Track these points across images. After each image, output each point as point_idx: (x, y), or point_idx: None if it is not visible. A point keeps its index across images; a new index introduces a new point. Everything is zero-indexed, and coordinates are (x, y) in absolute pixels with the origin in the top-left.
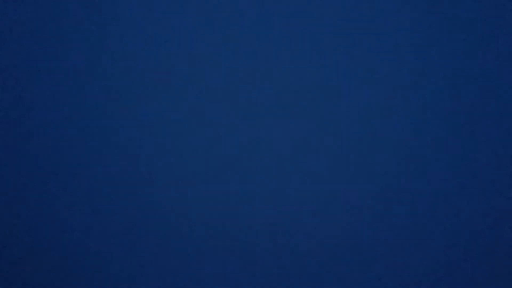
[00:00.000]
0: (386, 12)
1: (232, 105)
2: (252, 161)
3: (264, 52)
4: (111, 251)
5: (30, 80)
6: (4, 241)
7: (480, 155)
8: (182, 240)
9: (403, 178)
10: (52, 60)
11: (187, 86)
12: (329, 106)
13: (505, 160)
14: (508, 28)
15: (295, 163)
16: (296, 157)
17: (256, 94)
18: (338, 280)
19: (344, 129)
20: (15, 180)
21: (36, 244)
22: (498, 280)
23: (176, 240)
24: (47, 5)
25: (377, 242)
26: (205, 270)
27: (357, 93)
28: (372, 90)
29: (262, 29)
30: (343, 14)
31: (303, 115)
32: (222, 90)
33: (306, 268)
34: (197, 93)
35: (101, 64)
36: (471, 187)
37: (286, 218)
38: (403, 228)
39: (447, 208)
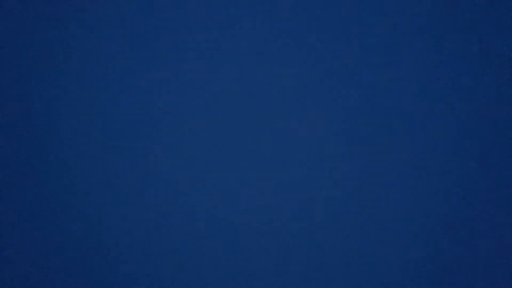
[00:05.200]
0: (386, 12)
1: (233, 104)
2: (251, 163)
3: (265, 52)
4: (111, 251)
5: (30, 81)
6: (4, 241)
7: (480, 155)
8: (182, 240)
9: (402, 178)
10: (52, 61)
11: (188, 87)
12: (327, 107)
13: (506, 160)
14: (508, 28)
15: (294, 164)
16: (295, 158)
17: (257, 95)
18: (337, 281)
19: (343, 130)
20: (16, 180)
21: (36, 244)
22: (497, 280)
23: (175, 240)
24: (47, 6)
25: (376, 242)
26: (205, 270)
27: (356, 94)
28: (371, 90)
29: (262, 29)
30: (342, 14)
31: (303, 115)
32: (223, 91)
33: (305, 268)
34: (198, 93)
35: (101, 65)
36: (471, 187)
37: (285, 218)
38: (403, 229)
39: (447, 209)
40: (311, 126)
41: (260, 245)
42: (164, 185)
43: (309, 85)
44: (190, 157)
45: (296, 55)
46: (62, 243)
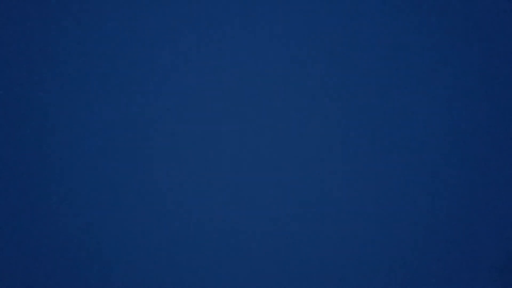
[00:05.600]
0: (386, 13)
1: (233, 105)
2: (251, 163)
3: (264, 53)
4: (109, 252)
5: (30, 82)
6: (4, 241)
7: (480, 156)
8: (180, 241)
9: (401, 179)
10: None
11: (187, 88)
12: (327, 109)
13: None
14: (509, 28)
15: (294, 165)
16: (294, 159)
17: (256, 96)
18: (336, 280)
19: (342, 131)
20: (16, 181)
21: (36, 244)
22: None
23: (174, 241)
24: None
25: (374, 244)
26: (204, 271)
27: (356, 96)
28: (371, 91)
29: (261, 29)
30: (342, 14)
31: (303, 116)
32: (222, 93)
33: (304, 268)
34: (196, 94)
35: (101, 67)
36: (470, 188)
37: (284, 219)
38: (402, 229)
39: (447, 209)
40: (311, 126)
41: (259, 245)
42: (164, 185)
43: (309, 86)
44: (189, 158)
45: (297, 56)
46: (58, 242)
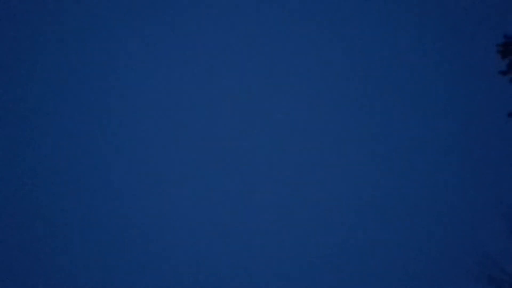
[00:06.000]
0: (386, 17)
1: (234, 105)
2: (251, 165)
3: (265, 53)
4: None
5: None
6: (4, 241)
7: (480, 158)
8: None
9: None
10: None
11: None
12: (326, 109)
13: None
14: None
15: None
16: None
17: (256, 97)
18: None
19: (344, 132)
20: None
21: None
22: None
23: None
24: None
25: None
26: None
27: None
28: (373, 93)
29: (261, 29)
30: (344, 17)
31: (305, 116)
32: (223, 94)
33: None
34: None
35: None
36: (469, 190)
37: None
38: (402, 231)
39: (445, 211)
40: (311, 126)
41: (260, 247)
42: (165, 186)
43: (310, 86)
44: (190, 159)
45: (298, 56)
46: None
